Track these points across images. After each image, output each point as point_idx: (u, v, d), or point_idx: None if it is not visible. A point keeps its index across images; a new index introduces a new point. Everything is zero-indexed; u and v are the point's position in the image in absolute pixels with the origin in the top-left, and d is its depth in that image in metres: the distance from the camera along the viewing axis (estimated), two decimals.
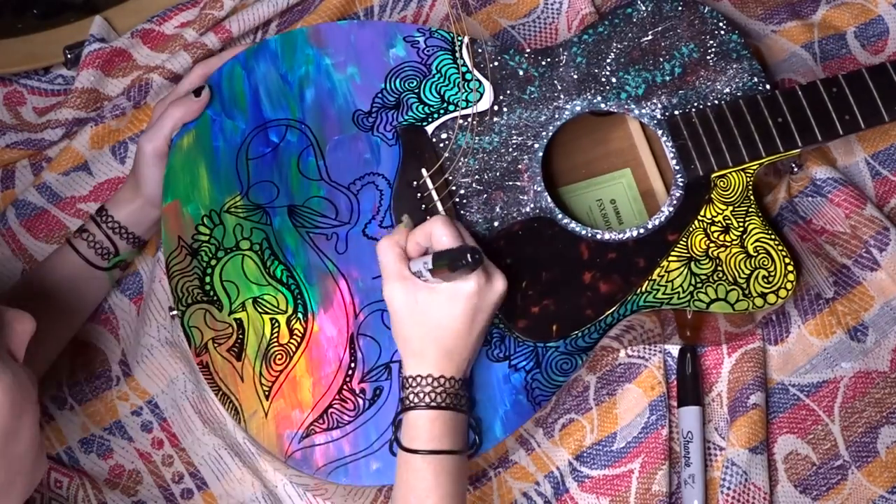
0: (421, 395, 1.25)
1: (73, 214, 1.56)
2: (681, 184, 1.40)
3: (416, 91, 1.43)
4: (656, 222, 1.38)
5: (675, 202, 1.39)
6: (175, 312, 1.35)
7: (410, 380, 1.26)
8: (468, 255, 1.18)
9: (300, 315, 1.34)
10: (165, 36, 1.61)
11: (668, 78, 1.45)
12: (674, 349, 1.50)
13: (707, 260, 1.36)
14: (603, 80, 1.45)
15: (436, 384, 1.25)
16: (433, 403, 1.24)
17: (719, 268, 1.36)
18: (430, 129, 1.41)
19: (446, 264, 1.20)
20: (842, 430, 1.49)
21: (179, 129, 1.39)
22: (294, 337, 1.33)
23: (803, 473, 1.47)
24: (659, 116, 1.43)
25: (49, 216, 1.55)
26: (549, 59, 1.45)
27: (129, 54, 1.60)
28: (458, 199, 1.39)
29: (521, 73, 1.44)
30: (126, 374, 1.51)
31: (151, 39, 1.61)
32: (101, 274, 1.45)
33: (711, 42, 1.46)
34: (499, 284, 1.27)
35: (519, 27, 1.66)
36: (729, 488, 1.43)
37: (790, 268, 1.36)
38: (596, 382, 1.48)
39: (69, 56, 1.60)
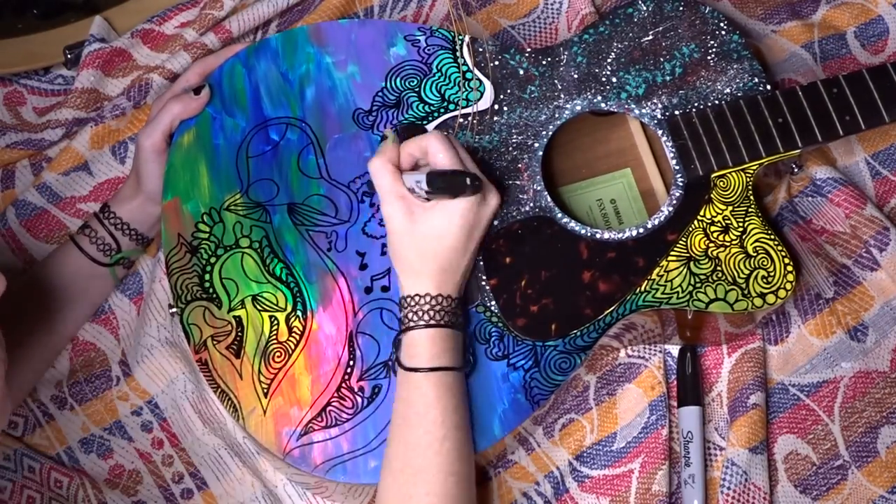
0: (420, 313, 1.26)
1: (73, 214, 1.56)
2: (681, 184, 1.40)
3: (417, 90, 1.43)
4: (656, 222, 1.38)
5: (674, 202, 1.39)
6: (174, 310, 1.35)
7: (409, 299, 1.28)
8: (468, 181, 1.20)
9: (299, 313, 1.34)
10: (165, 36, 1.61)
11: (668, 78, 1.45)
12: (674, 349, 1.49)
13: (706, 260, 1.36)
14: (603, 79, 1.45)
15: (434, 302, 1.27)
16: (432, 321, 1.26)
17: (718, 268, 1.36)
18: (430, 127, 1.41)
19: (445, 190, 1.22)
20: (842, 430, 1.48)
21: (179, 127, 1.40)
22: (293, 335, 1.33)
23: (803, 473, 1.47)
24: (659, 116, 1.43)
25: (49, 216, 1.55)
26: (549, 59, 1.45)
27: (129, 54, 1.60)
28: None
29: (521, 72, 1.45)
30: (126, 374, 1.51)
31: (151, 39, 1.61)
32: (103, 271, 1.46)
33: (712, 42, 1.46)
34: (493, 200, 1.31)
35: (519, 27, 1.66)
36: (729, 488, 1.43)
37: (789, 268, 1.36)
38: (596, 382, 1.48)
39: (69, 56, 1.60)
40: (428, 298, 1.27)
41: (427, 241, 1.27)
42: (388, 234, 1.29)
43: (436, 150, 1.27)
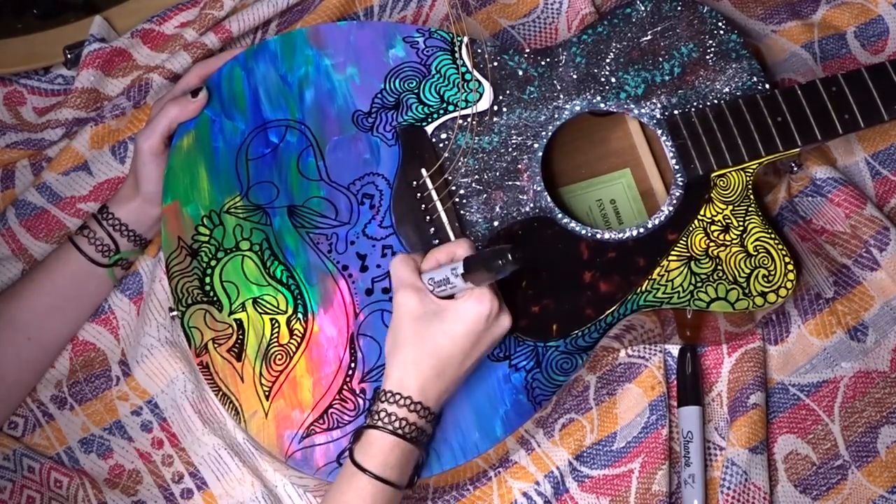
0: (393, 417, 1.23)
1: (73, 214, 1.56)
2: (680, 183, 1.40)
3: (416, 91, 1.43)
4: (656, 222, 1.38)
5: (674, 201, 1.39)
6: (175, 313, 1.35)
7: (388, 395, 1.24)
8: (509, 254, 1.16)
9: (300, 315, 1.34)
10: (165, 36, 1.61)
11: (667, 78, 1.45)
12: (674, 349, 1.49)
13: (707, 259, 1.36)
14: (602, 79, 1.45)
15: (411, 408, 1.23)
16: (399, 431, 1.23)
17: (719, 267, 1.36)
18: (429, 129, 1.41)
19: (483, 266, 1.18)
20: (842, 429, 1.49)
21: (179, 130, 1.40)
22: (294, 337, 1.33)
23: (803, 473, 1.47)
24: (658, 116, 1.43)
25: (49, 216, 1.55)
26: (548, 60, 1.45)
27: (129, 54, 1.60)
28: (457, 199, 1.39)
29: (520, 73, 1.44)
30: (126, 374, 1.51)
31: (151, 39, 1.61)
32: (102, 272, 1.46)
33: (711, 42, 1.46)
34: (505, 321, 1.26)
35: (519, 27, 1.66)
36: (729, 488, 1.43)
37: (790, 267, 1.36)
38: (596, 382, 1.48)
39: (69, 56, 1.60)
40: (408, 402, 1.23)
41: (431, 334, 1.23)
42: (394, 320, 1.25)
43: (463, 255, 1.25)
